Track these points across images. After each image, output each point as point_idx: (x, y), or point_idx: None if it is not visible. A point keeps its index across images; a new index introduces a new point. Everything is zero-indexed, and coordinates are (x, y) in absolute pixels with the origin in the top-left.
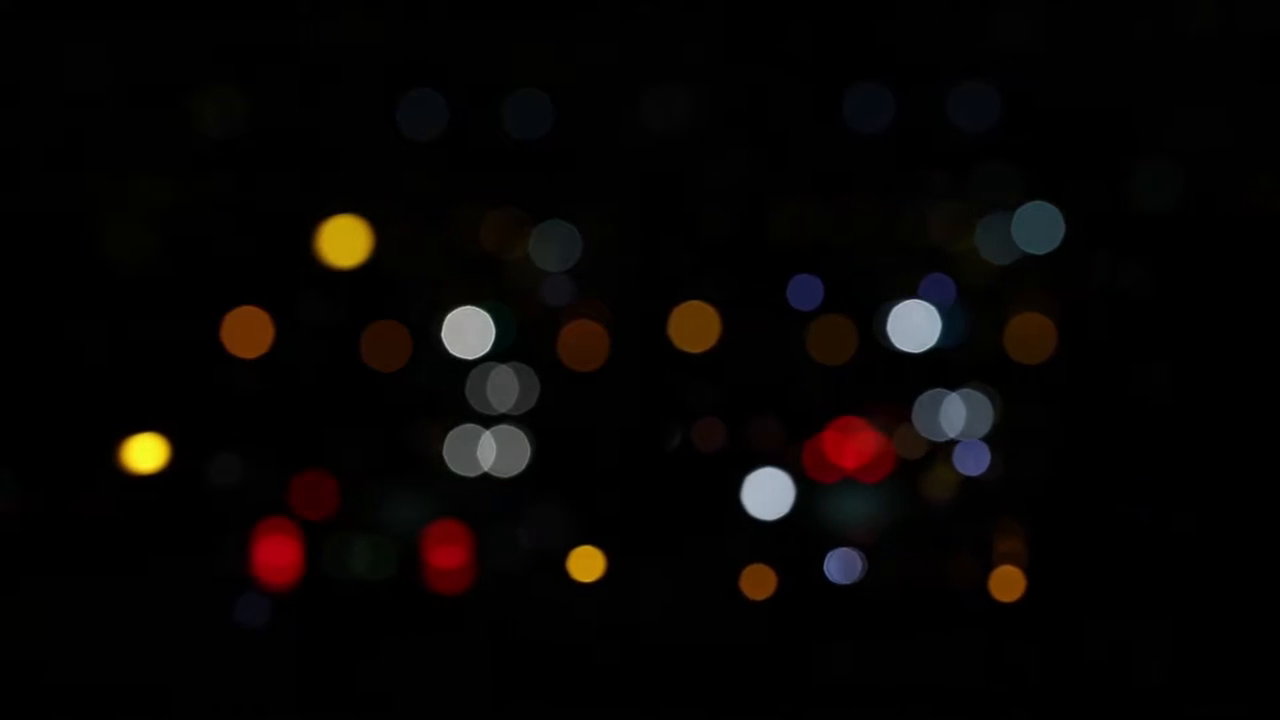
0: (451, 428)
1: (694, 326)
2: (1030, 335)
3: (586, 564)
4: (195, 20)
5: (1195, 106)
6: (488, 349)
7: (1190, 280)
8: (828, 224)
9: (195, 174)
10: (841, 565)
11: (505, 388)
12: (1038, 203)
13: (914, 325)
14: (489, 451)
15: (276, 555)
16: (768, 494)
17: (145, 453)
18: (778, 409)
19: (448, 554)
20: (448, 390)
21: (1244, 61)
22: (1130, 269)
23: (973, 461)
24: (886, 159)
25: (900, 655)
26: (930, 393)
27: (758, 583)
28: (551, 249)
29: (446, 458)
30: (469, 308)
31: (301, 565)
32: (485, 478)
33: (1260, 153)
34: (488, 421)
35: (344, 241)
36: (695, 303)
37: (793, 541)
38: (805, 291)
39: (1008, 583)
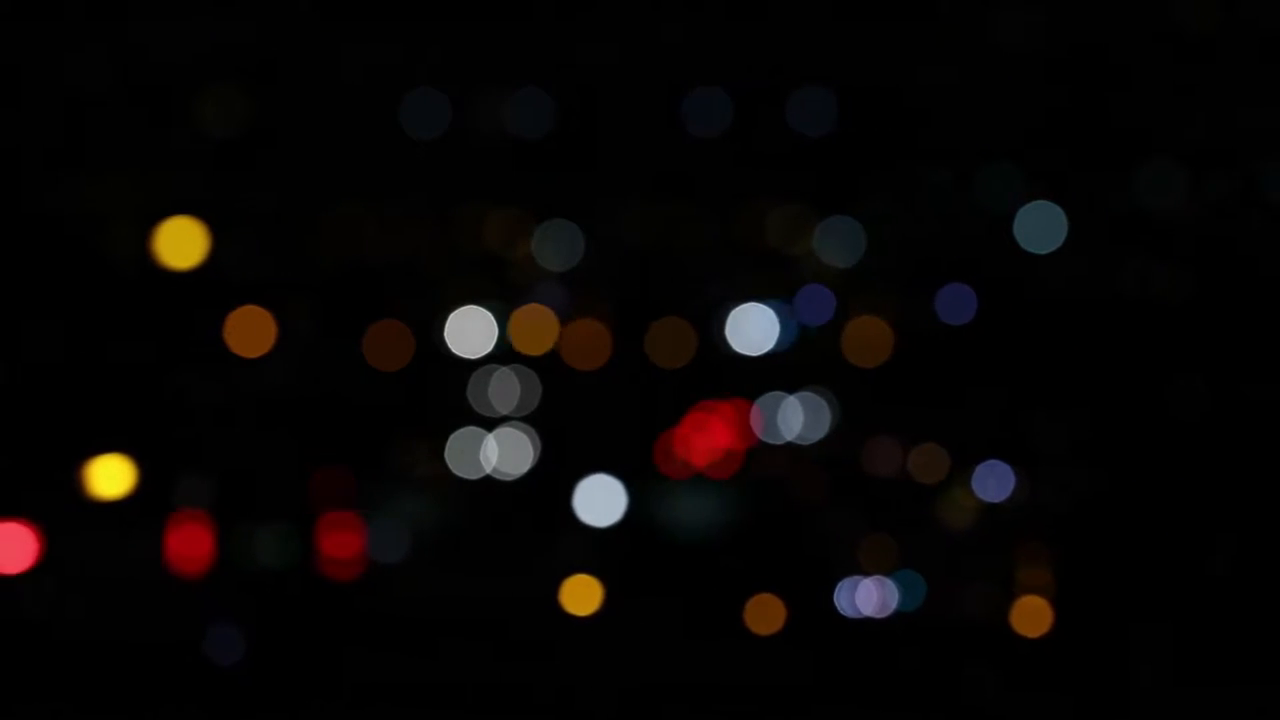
0: (454, 429)
1: (535, 330)
2: (868, 338)
3: (583, 595)
4: (195, 20)
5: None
6: (490, 349)
7: (1218, 289)
8: (665, 226)
9: (195, 174)
10: (854, 597)
11: (507, 389)
12: (1040, 202)
13: (753, 328)
14: (492, 453)
15: (191, 546)
16: (601, 500)
17: (111, 477)
18: (620, 411)
19: (341, 543)
20: (450, 391)
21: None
22: (1157, 277)
23: (995, 486)
24: (725, 162)
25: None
26: (769, 394)
27: (764, 616)
28: (553, 249)
29: (449, 460)
30: (472, 307)
31: (214, 556)
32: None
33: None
34: (490, 424)
35: (179, 243)
36: (536, 306)
37: (794, 570)
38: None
39: (1032, 616)
